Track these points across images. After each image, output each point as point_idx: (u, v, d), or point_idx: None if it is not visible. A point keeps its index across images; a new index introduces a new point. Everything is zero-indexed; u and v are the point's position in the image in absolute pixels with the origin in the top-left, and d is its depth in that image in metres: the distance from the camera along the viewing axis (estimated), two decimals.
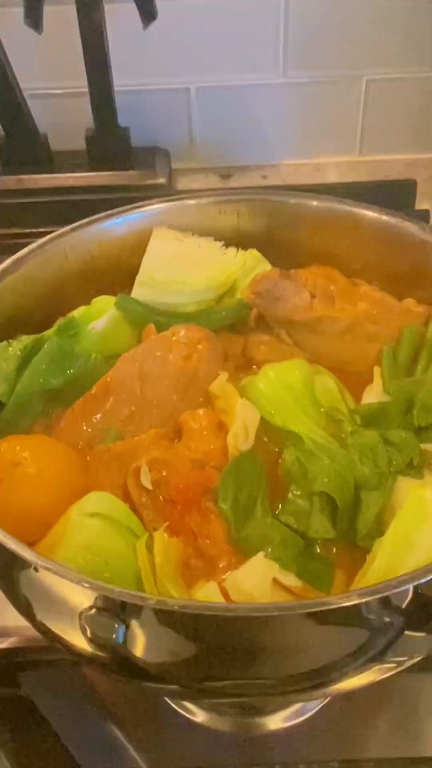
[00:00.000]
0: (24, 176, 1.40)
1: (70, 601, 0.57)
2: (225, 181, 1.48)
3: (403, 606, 0.57)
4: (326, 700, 0.82)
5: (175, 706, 0.82)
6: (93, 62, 1.31)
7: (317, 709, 0.82)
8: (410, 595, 0.55)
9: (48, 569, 0.57)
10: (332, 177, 1.47)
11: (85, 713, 0.80)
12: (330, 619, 0.56)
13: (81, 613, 0.57)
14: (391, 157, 1.50)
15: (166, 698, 0.82)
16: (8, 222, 1.33)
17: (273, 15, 1.35)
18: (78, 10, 1.25)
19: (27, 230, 1.28)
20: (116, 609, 0.55)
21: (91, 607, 0.56)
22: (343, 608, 0.54)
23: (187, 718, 0.81)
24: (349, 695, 0.82)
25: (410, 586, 0.54)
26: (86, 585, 0.55)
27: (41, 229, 1.22)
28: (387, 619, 0.58)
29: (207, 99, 1.44)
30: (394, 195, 1.23)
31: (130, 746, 0.79)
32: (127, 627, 0.55)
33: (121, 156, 1.41)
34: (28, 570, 0.59)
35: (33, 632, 0.74)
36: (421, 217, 1.19)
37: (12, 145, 1.40)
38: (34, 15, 1.23)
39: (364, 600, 0.54)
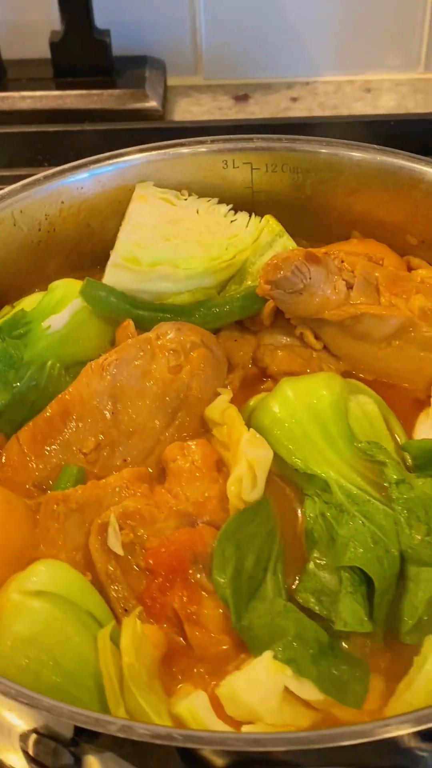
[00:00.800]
0: None
1: (5, 721, 0.57)
2: (240, 104, 1.49)
3: None
4: None
5: None
6: None
7: None
8: None
9: None
10: (386, 101, 1.48)
11: None
12: (363, 755, 0.55)
13: (22, 737, 0.57)
14: None
15: None
16: None
17: None
18: None
19: None
20: (66, 736, 0.55)
21: (32, 731, 0.56)
22: (380, 742, 0.54)
23: None
24: None
25: None
26: (24, 701, 0.55)
27: None
28: None
29: None
30: None
31: None
32: (79, 761, 0.55)
33: (98, 68, 1.42)
34: None
35: None
36: None
37: None
38: None
39: (408, 731, 0.54)
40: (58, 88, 1.42)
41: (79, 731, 0.56)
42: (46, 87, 1.43)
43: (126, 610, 0.69)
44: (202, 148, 0.93)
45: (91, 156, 0.96)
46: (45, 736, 0.56)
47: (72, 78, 1.42)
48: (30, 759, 0.62)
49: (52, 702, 0.56)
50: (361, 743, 0.54)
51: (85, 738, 0.56)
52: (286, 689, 0.64)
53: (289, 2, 1.45)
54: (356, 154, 0.93)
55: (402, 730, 0.54)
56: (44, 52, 1.41)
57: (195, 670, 0.68)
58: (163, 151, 0.93)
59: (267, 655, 0.65)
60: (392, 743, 0.55)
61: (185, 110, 1.47)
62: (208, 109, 1.48)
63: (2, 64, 1.44)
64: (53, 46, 1.40)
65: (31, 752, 0.59)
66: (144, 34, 1.47)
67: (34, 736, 0.56)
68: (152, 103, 1.42)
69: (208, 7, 1.45)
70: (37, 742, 0.58)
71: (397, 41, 1.48)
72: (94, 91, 1.42)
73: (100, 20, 1.38)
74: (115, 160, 0.92)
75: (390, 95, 1.49)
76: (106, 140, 1.25)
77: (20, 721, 0.57)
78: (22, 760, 0.63)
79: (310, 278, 0.83)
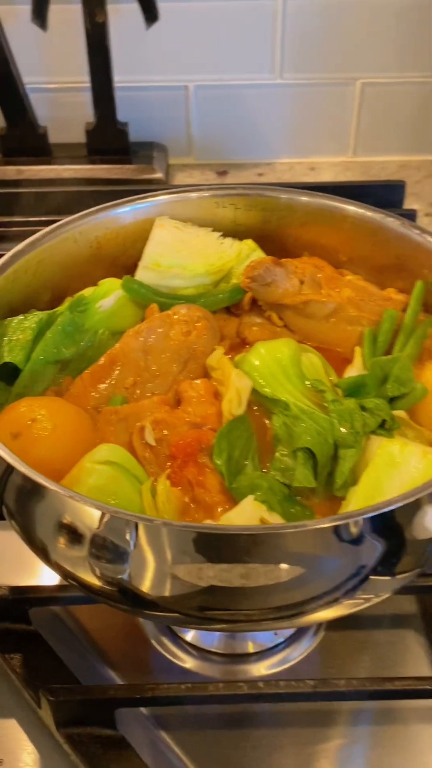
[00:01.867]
0: (23, 167, 1.58)
1: (83, 524, 0.73)
2: (221, 177, 1.66)
3: (370, 536, 0.74)
4: (307, 652, 0.99)
5: (165, 654, 0.99)
6: (95, 59, 1.50)
7: (300, 658, 0.99)
8: (375, 523, 0.73)
9: (66, 495, 0.73)
10: (326, 176, 1.66)
11: (85, 655, 0.97)
12: (307, 543, 0.73)
13: (93, 534, 0.73)
14: (384, 159, 1.70)
15: (157, 646, 0.99)
16: (7, 211, 1.51)
17: (270, 18, 1.54)
18: (84, 9, 1.44)
19: (25, 219, 1.46)
20: (124, 530, 0.71)
21: (99, 527, 0.72)
22: (318, 532, 0.71)
23: (177, 665, 0.98)
24: (329, 647, 1.00)
25: (373, 514, 0.72)
26: (99, 507, 0.71)
27: (40, 218, 1.42)
28: (357, 549, 0.75)
29: (205, 97, 1.63)
30: (383, 195, 1.41)
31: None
32: (134, 548, 0.71)
33: (120, 150, 1.60)
34: (46, 501, 0.76)
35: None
36: (408, 216, 1.36)
37: (13, 136, 1.58)
38: (41, 14, 1.42)
39: (335, 523, 0.71)
40: (90, 163, 1.60)
41: (129, 527, 0.72)
42: (82, 162, 1.60)
43: (157, 479, 0.86)
44: (204, 194, 1.08)
45: None
46: (109, 532, 0.72)
47: (101, 156, 1.60)
48: (96, 575, 0.79)
49: (117, 508, 0.72)
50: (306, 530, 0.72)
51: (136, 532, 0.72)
52: (262, 519, 0.79)
53: (255, 107, 1.63)
54: (304, 198, 1.07)
55: (331, 523, 0.72)
56: (81, 137, 1.60)
57: (202, 515, 0.85)
58: (176, 194, 1.08)
59: (250, 498, 0.80)
60: (327, 537, 0.72)
61: (182, 181, 1.65)
62: (198, 180, 1.65)
63: (49, 146, 1.62)
64: (88, 133, 1.59)
65: (97, 555, 0.76)
66: (153, 127, 1.65)
67: (103, 532, 0.72)
68: (158, 175, 1.59)
69: (199, 109, 1.64)
70: (103, 540, 0.74)
71: (333, 134, 1.67)
72: (117, 166, 1.60)
73: (122, 116, 1.57)
74: (143, 200, 1.07)
75: (328, 173, 1.67)
76: (126, 196, 1.38)
77: (93, 521, 0.73)
78: (90, 575, 0.79)
79: (276, 275, 1.00)
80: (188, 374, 0.96)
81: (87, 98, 1.55)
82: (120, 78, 1.53)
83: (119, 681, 0.96)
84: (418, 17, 1.53)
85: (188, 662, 0.98)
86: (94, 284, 1.06)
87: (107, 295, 1.01)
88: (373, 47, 1.57)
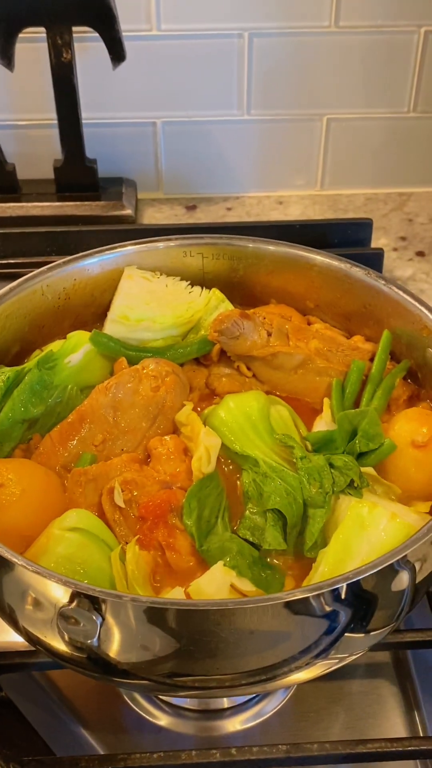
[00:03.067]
0: None
1: (49, 599, 0.72)
2: (190, 212, 1.65)
3: (342, 604, 0.74)
4: (281, 705, 0.99)
5: (139, 711, 0.97)
6: (62, 96, 1.48)
7: (273, 711, 0.98)
8: (346, 592, 0.72)
9: (33, 570, 0.72)
10: (294, 210, 1.66)
11: (58, 715, 0.95)
12: (278, 615, 0.72)
13: (60, 609, 0.71)
14: (351, 192, 1.69)
15: (131, 703, 0.98)
16: None
17: (237, 55, 1.53)
18: (49, 48, 1.42)
19: None
20: (93, 605, 0.70)
21: (69, 603, 0.71)
22: (289, 604, 0.70)
23: (151, 722, 0.97)
24: (302, 699, 0.99)
25: (344, 584, 0.71)
26: (66, 584, 0.70)
27: (7, 260, 1.40)
28: (328, 617, 0.74)
29: (172, 132, 1.62)
30: (352, 233, 1.41)
31: (98, 747, 0.94)
32: (103, 621, 0.70)
33: (88, 186, 1.58)
34: (13, 573, 0.74)
35: (12, 639, 0.90)
36: (376, 255, 1.37)
37: None
38: (6, 54, 1.41)
39: (305, 595, 0.70)
40: (59, 200, 1.57)
41: (99, 603, 0.71)
42: (50, 199, 1.57)
43: (127, 542, 0.84)
44: (171, 243, 1.07)
45: (85, 248, 1.07)
46: (78, 606, 0.70)
47: (69, 193, 1.57)
48: (65, 640, 0.77)
49: (85, 584, 0.71)
50: (278, 603, 0.71)
51: (105, 607, 0.71)
52: (233, 585, 0.79)
53: (223, 142, 1.62)
54: (271, 248, 1.07)
55: (303, 595, 0.71)
56: (49, 173, 1.57)
57: (172, 580, 0.84)
58: (143, 245, 1.07)
59: (219, 564, 0.79)
60: (299, 605, 0.72)
61: (151, 216, 1.63)
62: (167, 215, 1.64)
63: (18, 183, 1.59)
64: (56, 170, 1.56)
65: (66, 627, 0.74)
66: (121, 162, 1.62)
67: (71, 606, 0.71)
68: (128, 211, 1.57)
69: (166, 144, 1.62)
70: (72, 613, 0.72)
71: (301, 168, 1.66)
72: (86, 203, 1.57)
73: (90, 152, 1.55)
74: (111, 251, 1.06)
75: (296, 206, 1.66)
76: (95, 237, 1.38)
77: (61, 596, 0.72)
78: (59, 641, 0.78)
79: (243, 329, 0.99)
80: (157, 430, 0.95)
81: (55, 134, 1.53)
82: (88, 114, 1.52)
83: (93, 741, 0.94)
84: (382, 54, 1.53)
85: (162, 719, 0.97)
86: (63, 335, 1.05)
87: (76, 350, 1.00)
88: (339, 84, 1.57)
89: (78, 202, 1.57)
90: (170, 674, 0.79)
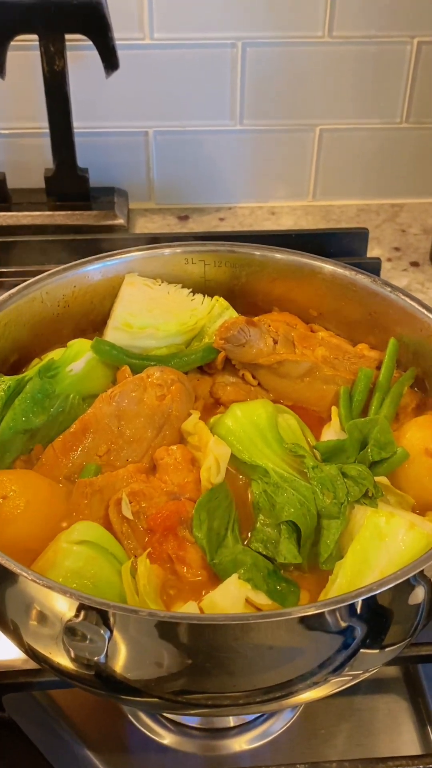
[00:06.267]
0: None
1: (56, 614, 0.68)
2: (182, 222, 1.63)
3: (358, 618, 0.71)
4: (289, 723, 0.95)
5: (143, 730, 0.93)
6: (54, 105, 1.46)
7: (281, 730, 0.94)
8: (363, 607, 0.69)
9: (44, 585, 0.68)
10: (286, 220, 1.64)
11: (61, 736, 0.91)
12: (297, 630, 0.69)
13: (66, 624, 0.68)
14: (343, 203, 1.68)
15: (134, 722, 0.94)
16: None
17: (230, 65, 1.51)
18: (42, 56, 1.40)
19: None
20: (101, 619, 0.66)
21: (77, 616, 0.67)
22: (301, 619, 0.67)
23: (156, 741, 0.93)
24: (311, 716, 0.95)
25: (360, 599, 0.68)
26: (75, 597, 0.66)
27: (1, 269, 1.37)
28: (343, 632, 0.72)
29: (165, 142, 1.60)
30: (347, 243, 1.40)
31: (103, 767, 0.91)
32: (111, 636, 0.66)
33: (80, 195, 1.55)
34: (17, 587, 0.71)
35: (15, 657, 0.86)
36: (373, 265, 1.35)
37: None
38: None
39: (321, 610, 0.67)
40: (50, 209, 1.54)
41: (107, 617, 0.67)
42: (41, 209, 1.54)
43: (136, 556, 0.81)
44: (176, 250, 1.04)
45: (78, 257, 1.04)
46: (86, 619, 0.67)
47: (61, 202, 1.54)
48: (71, 657, 0.74)
49: (95, 598, 0.67)
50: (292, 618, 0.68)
51: (114, 622, 0.67)
52: (247, 599, 0.75)
53: (216, 152, 1.60)
54: (277, 255, 1.05)
55: (318, 610, 0.68)
56: (40, 183, 1.54)
57: (184, 593, 0.80)
58: (148, 251, 1.04)
59: (234, 576, 0.76)
60: (315, 621, 0.69)
61: (143, 226, 1.61)
62: (159, 225, 1.61)
63: (8, 192, 1.56)
64: (47, 179, 1.53)
65: (72, 643, 0.70)
66: (113, 172, 1.60)
67: (79, 620, 0.67)
68: (120, 221, 1.54)
69: (158, 154, 1.60)
70: (80, 627, 0.68)
71: (293, 179, 1.64)
72: (77, 212, 1.54)
73: (81, 161, 1.52)
74: (113, 258, 1.03)
75: (288, 217, 1.65)
76: (87, 247, 1.35)
77: (69, 610, 0.68)
78: (65, 658, 0.74)
79: (249, 336, 0.96)
80: (163, 440, 0.92)
81: (46, 143, 1.50)
82: (80, 123, 1.49)
83: (97, 761, 0.90)
84: (375, 65, 1.53)
85: (167, 738, 0.93)
86: (63, 343, 1.02)
87: (77, 358, 0.96)
88: (332, 94, 1.56)
89: (69, 212, 1.54)
90: (182, 691, 0.75)
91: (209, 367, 1.01)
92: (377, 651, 0.78)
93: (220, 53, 1.50)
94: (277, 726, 0.95)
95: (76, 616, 0.69)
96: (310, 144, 1.61)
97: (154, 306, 1.01)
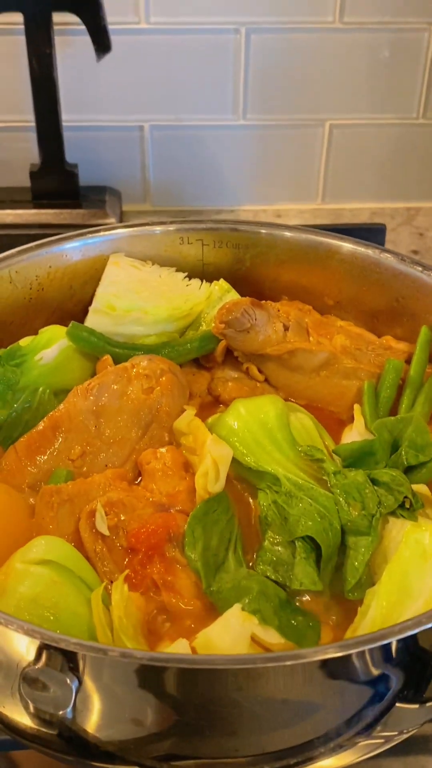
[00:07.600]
0: None
1: (9, 656, 0.52)
2: None
3: (394, 663, 0.54)
4: None
5: None
6: (41, 95, 1.33)
7: None
8: (401, 648, 0.52)
9: None
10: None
11: None
12: (311, 678, 0.52)
13: (24, 671, 0.51)
14: (355, 206, 1.55)
15: None
16: None
17: (233, 53, 1.39)
18: (27, 40, 1.27)
19: None
20: (67, 663, 0.50)
21: (36, 661, 0.51)
22: (323, 663, 0.51)
23: None
24: None
25: (399, 638, 0.51)
26: (32, 634, 0.50)
27: None
28: (376, 681, 0.55)
29: (161, 138, 1.46)
30: (364, 239, 1.25)
31: None
32: (80, 684, 0.50)
33: (68, 193, 1.41)
34: None
35: None
36: None
37: None
38: None
39: (348, 652, 0.51)
40: (36, 207, 1.40)
41: (75, 660, 0.51)
42: (27, 207, 1.41)
43: (112, 582, 0.65)
44: (169, 228, 0.92)
45: None
46: (47, 665, 0.50)
47: (47, 200, 1.41)
48: (30, 712, 0.57)
49: (56, 635, 0.51)
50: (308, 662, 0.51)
51: (83, 666, 0.51)
52: (254, 636, 0.60)
53: (217, 149, 1.48)
54: (287, 233, 0.92)
55: (340, 652, 0.51)
56: (25, 181, 1.40)
57: (172, 629, 0.64)
58: (137, 228, 0.91)
59: (236, 607, 0.61)
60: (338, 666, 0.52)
61: None
62: None
63: None
64: (32, 174, 1.39)
65: (31, 695, 0.54)
66: (105, 170, 1.47)
67: (44, 659, 0.51)
68: (111, 220, 1.40)
69: (155, 150, 1.47)
70: (43, 667, 0.52)
71: (301, 179, 1.51)
72: (65, 210, 1.40)
73: (71, 157, 1.39)
74: (95, 235, 0.90)
75: (295, 221, 1.51)
76: None
77: (26, 653, 0.52)
78: (21, 711, 0.58)
79: (255, 320, 0.82)
80: (151, 441, 0.78)
81: (32, 138, 1.37)
82: (68, 116, 1.37)
83: None
84: (390, 54, 1.41)
85: None
86: (35, 334, 0.87)
87: (49, 345, 0.83)
88: (343, 86, 1.43)
89: (57, 210, 1.40)
90: (168, 756, 0.60)
91: (207, 360, 0.88)
92: (417, 706, 0.62)
93: (222, 40, 1.38)
94: None
95: (36, 660, 0.53)
96: (319, 141, 1.48)
97: (143, 288, 0.87)
